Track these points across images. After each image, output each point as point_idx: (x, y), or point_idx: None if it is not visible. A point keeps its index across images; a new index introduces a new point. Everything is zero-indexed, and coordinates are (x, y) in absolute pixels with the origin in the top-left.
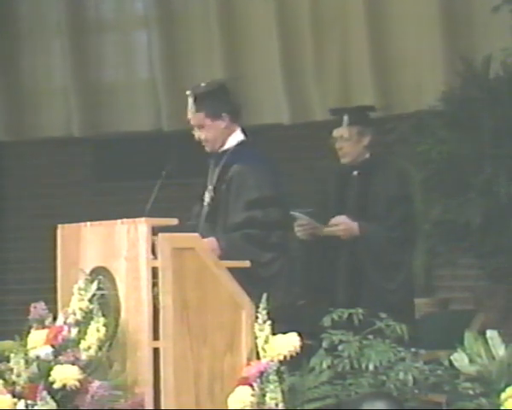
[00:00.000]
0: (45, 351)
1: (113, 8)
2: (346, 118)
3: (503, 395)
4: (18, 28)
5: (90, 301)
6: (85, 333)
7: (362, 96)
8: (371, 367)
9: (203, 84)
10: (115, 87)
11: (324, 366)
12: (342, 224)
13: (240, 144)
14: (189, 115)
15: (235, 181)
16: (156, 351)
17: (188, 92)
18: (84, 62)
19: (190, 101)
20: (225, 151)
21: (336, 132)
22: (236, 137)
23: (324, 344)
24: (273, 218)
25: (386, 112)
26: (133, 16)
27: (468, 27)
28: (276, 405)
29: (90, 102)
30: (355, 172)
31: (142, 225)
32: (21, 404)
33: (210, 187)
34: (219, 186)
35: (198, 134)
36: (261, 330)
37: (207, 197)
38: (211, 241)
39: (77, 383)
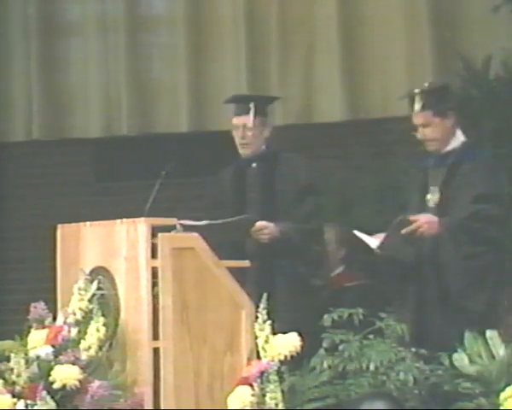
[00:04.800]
0: (45, 351)
1: (79, 11)
2: (252, 106)
3: (502, 395)
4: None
5: (90, 301)
6: (85, 333)
7: (324, 100)
8: (371, 367)
9: (427, 84)
10: (81, 89)
11: (324, 365)
12: (266, 228)
13: (464, 144)
14: (415, 113)
15: (466, 179)
16: (156, 351)
17: (416, 91)
18: (49, 65)
19: (417, 99)
20: (450, 152)
21: (237, 120)
22: (459, 138)
23: (324, 344)
24: (493, 213)
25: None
26: (98, 19)
27: (464, 27)
28: (276, 405)
29: (54, 104)
30: (254, 165)
31: (141, 225)
32: (21, 404)
33: (435, 188)
34: (448, 186)
35: (422, 133)
36: (261, 329)
37: (434, 198)
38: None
39: (77, 383)
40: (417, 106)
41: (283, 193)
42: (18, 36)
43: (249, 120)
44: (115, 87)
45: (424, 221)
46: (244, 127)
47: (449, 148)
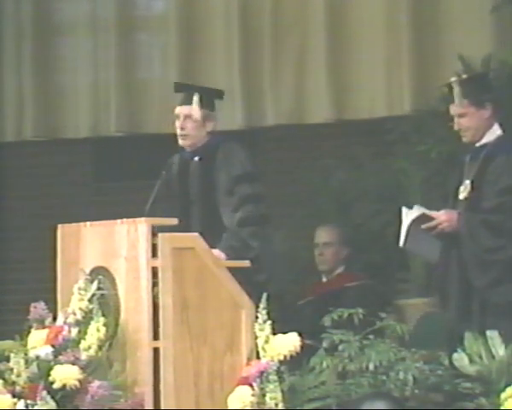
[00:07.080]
0: (45, 351)
1: (70, 11)
2: (196, 97)
3: (503, 395)
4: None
5: (90, 301)
6: (85, 333)
7: (315, 103)
8: (371, 367)
9: (464, 75)
10: (73, 89)
11: (324, 365)
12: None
13: (500, 138)
14: (452, 103)
15: (497, 171)
16: (156, 351)
17: (452, 79)
18: (44, 66)
19: (454, 88)
20: (484, 145)
21: (179, 110)
22: (495, 131)
23: (324, 344)
24: None
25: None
26: (90, 19)
27: (446, 29)
28: (276, 405)
29: (47, 104)
30: (196, 158)
31: (142, 225)
32: (21, 404)
33: (467, 181)
34: (480, 179)
35: (458, 123)
36: (261, 329)
37: (464, 192)
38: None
39: (77, 383)
40: (454, 95)
41: (219, 186)
42: (10, 35)
43: (190, 110)
44: (107, 87)
45: (444, 218)
46: (185, 117)
47: (484, 141)
